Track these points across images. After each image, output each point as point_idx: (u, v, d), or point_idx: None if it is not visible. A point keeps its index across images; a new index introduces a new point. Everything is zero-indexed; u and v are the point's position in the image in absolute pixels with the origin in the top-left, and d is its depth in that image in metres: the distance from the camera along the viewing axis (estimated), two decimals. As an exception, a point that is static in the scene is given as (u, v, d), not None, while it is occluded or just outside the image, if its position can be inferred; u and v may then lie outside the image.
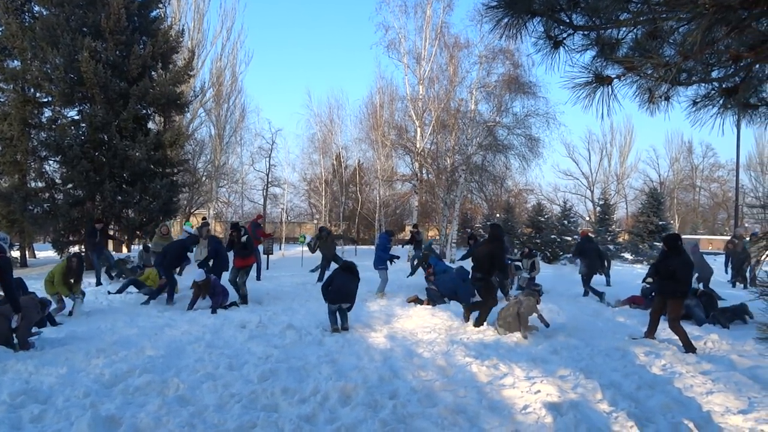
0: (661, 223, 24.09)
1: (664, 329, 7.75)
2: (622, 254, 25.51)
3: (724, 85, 3.28)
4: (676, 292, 7.03)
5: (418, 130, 24.26)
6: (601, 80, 2.81)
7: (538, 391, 4.84)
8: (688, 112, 3.95)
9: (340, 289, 7.70)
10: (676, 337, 6.96)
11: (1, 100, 16.00)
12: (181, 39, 19.07)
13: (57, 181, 15.89)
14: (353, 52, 77.97)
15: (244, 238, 9.88)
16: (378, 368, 5.49)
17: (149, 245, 13.39)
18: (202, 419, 4.02)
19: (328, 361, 5.74)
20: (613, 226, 27.41)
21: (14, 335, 6.05)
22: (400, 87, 29.10)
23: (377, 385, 4.94)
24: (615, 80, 2.90)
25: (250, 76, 72.46)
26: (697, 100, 3.89)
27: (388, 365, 5.66)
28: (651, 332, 7.39)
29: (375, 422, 4.02)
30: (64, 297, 8.46)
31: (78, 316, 8.27)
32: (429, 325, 8.01)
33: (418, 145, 24.27)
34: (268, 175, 31.57)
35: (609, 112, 2.93)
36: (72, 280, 8.54)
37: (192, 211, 31.51)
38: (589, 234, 14.73)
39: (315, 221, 35.26)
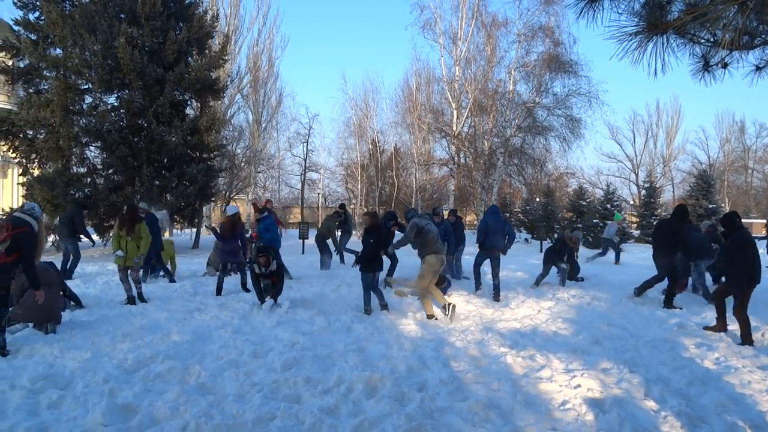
0: (711, 206, 22.99)
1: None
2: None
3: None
4: (734, 277, 6.48)
5: (455, 112, 23.77)
6: (654, 28, 2.41)
7: (578, 386, 4.52)
8: (750, 80, 3.53)
9: (376, 253, 7.62)
10: (732, 327, 6.49)
11: (44, 87, 16.34)
12: (216, 24, 19.09)
13: (98, 166, 16.20)
14: (389, 34, 77.29)
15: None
16: (407, 358, 5.25)
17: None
18: (220, 409, 3.87)
19: (356, 349, 5.54)
20: (659, 210, 26.36)
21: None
22: (436, 69, 28.44)
23: (405, 376, 4.71)
24: (671, 29, 2.49)
25: (285, 61, 72.74)
26: (761, 65, 3.47)
27: (418, 354, 5.42)
28: (722, 323, 6.71)
29: (401, 417, 3.79)
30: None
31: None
32: (463, 313, 7.73)
33: (455, 129, 23.80)
34: (305, 160, 31.66)
35: (664, 68, 2.53)
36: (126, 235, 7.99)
37: (231, 196, 31.87)
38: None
39: (352, 206, 35.21)
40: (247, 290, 9.08)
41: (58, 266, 8.15)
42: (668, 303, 8.32)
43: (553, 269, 10.42)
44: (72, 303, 7.40)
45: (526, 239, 25.74)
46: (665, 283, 8.76)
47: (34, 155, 15.85)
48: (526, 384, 4.63)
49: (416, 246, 7.52)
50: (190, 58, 16.84)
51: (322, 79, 75.36)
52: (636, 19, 2.46)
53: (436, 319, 7.24)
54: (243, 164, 28.72)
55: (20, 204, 18.00)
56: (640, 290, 8.93)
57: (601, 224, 22.96)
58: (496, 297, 8.76)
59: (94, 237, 13.07)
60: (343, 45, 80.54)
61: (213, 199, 20.82)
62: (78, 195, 14.91)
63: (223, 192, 25.39)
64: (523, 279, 11.25)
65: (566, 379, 4.69)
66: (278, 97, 30.83)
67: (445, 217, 11.12)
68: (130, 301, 7.98)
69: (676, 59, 2.64)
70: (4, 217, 17.00)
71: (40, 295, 5.52)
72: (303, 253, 16.19)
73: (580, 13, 2.94)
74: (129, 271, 8.12)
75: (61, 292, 7.05)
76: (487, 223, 9.03)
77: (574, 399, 4.25)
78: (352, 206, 32.37)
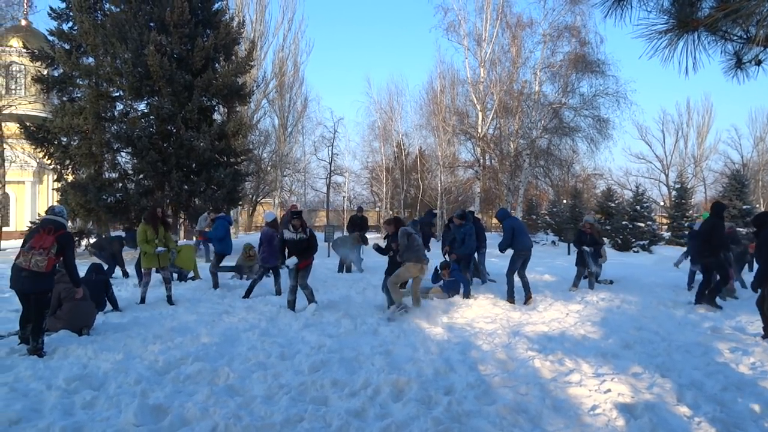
0: (745, 207, 22.42)
1: (752, 322, 7.08)
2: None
3: None
4: (758, 273, 6.30)
5: (480, 114, 23.60)
6: (684, 26, 2.36)
7: (608, 390, 4.43)
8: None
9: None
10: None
11: (78, 95, 16.81)
12: (243, 30, 19.37)
13: (129, 171, 16.60)
14: (412, 36, 77.41)
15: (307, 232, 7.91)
16: (434, 361, 5.23)
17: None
18: (249, 411, 3.92)
19: (382, 352, 5.54)
20: (691, 212, 25.83)
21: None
22: (460, 71, 28.42)
23: (432, 380, 4.69)
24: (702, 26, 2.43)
25: (310, 65, 73.51)
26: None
27: (445, 358, 5.39)
28: None
29: (428, 420, 3.78)
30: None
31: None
32: (490, 316, 7.67)
33: (480, 130, 23.64)
34: (330, 164, 31.85)
35: (695, 66, 2.46)
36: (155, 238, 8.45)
37: (258, 200, 32.27)
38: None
39: (377, 209, 35.28)
40: (279, 294, 9.20)
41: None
42: (712, 300, 8.17)
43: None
44: (110, 306, 7.64)
45: (553, 242, 25.44)
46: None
47: (68, 161, 16.30)
48: (555, 388, 4.56)
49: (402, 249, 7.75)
50: (217, 65, 17.13)
51: (346, 83, 75.94)
52: (666, 17, 2.41)
53: (406, 310, 7.39)
54: (269, 168, 29.08)
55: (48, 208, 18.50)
56: (699, 299, 8.45)
57: (630, 226, 22.59)
58: (527, 297, 8.69)
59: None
60: (368, 48, 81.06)
61: (240, 203, 21.11)
62: (110, 199, 15.27)
63: (250, 196, 25.73)
64: (551, 282, 11.11)
65: (596, 384, 4.60)
66: (303, 102, 31.21)
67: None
68: (143, 301, 8.34)
69: (708, 57, 2.58)
70: (38, 222, 17.53)
71: (79, 292, 5.90)
72: (329, 256, 16.27)
73: (608, 12, 2.90)
74: (161, 271, 8.48)
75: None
76: (513, 226, 8.89)
77: (604, 404, 4.17)
78: (377, 209, 32.46)
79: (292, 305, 7.77)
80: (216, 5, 17.88)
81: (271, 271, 9.53)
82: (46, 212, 5.89)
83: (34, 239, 5.30)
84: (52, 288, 5.60)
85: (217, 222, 10.57)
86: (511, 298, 8.68)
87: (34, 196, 29.86)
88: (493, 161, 25.40)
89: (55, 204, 7.06)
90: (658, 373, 4.89)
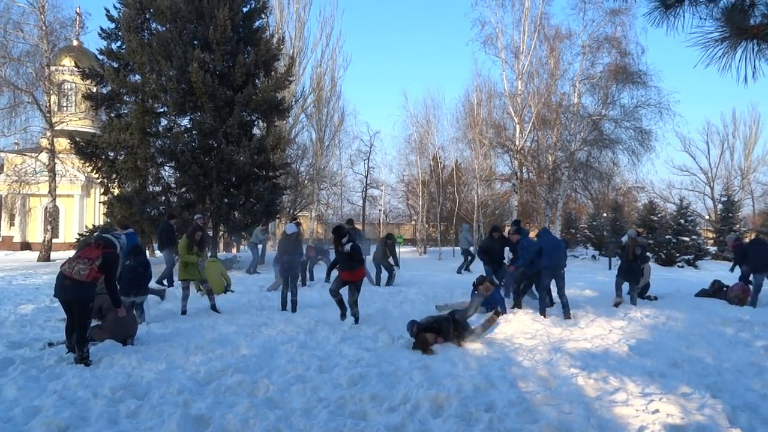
0: (797, 221, 21.40)
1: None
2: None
3: None
4: None
5: (517, 127, 23.35)
6: (743, 33, 2.26)
7: (657, 411, 4.25)
8: None
9: None
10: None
11: (124, 111, 17.43)
12: (282, 46, 19.75)
13: (172, 185, 17.06)
14: (449, 50, 77.58)
15: (347, 247, 7.93)
16: (473, 377, 5.14)
17: None
18: (288, 424, 3.92)
19: (421, 366, 5.48)
20: (738, 225, 24.88)
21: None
22: (497, 83, 28.24)
23: (472, 396, 4.60)
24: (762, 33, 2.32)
25: (347, 80, 74.48)
26: None
27: (484, 374, 5.29)
28: None
29: (468, 437, 3.71)
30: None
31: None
32: (530, 331, 7.50)
33: (517, 143, 23.37)
34: (367, 177, 32.03)
35: (755, 74, 2.35)
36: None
37: (296, 213, 32.60)
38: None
39: (413, 222, 35.17)
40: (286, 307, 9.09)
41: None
42: None
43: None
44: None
45: (593, 256, 24.86)
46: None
47: (114, 175, 16.85)
48: (600, 407, 4.41)
49: None
50: (257, 80, 17.50)
51: (383, 97, 76.74)
52: (721, 25, 2.32)
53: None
54: (306, 182, 29.38)
55: (104, 223, 19.23)
56: None
57: (674, 240, 21.87)
58: (565, 316, 8.50)
59: None
60: (404, 63, 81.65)
61: (278, 216, 21.40)
62: (153, 212, 15.70)
63: (288, 209, 26.05)
64: (592, 297, 10.83)
65: (643, 404, 4.43)
66: (340, 116, 31.49)
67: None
68: (183, 313, 8.56)
69: (768, 65, 2.45)
70: (87, 235, 18.17)
71: (122, 311, 6.09)
72: (365, 269, 16.29)
73: (655, 21, 2.82)
74: (203, 284, 8.96)
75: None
76: (541, 246, 8.89)
77: (652, 425, 4.01)
78: (413, 222, 32.36)
79: (341, 305, 8.17)
80: (257, 23, 18.31)
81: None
82: (103, 231, 6.13)
83: (83, 250, 5.49)
84: (93, 299, 5.77)
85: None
86: (542, 312, 8.56)
87: (82, 209, 31.01)
88: (530, 174, 25.05)
89: (117, 229, 7.64)
90: (709, 394, 4.67)
